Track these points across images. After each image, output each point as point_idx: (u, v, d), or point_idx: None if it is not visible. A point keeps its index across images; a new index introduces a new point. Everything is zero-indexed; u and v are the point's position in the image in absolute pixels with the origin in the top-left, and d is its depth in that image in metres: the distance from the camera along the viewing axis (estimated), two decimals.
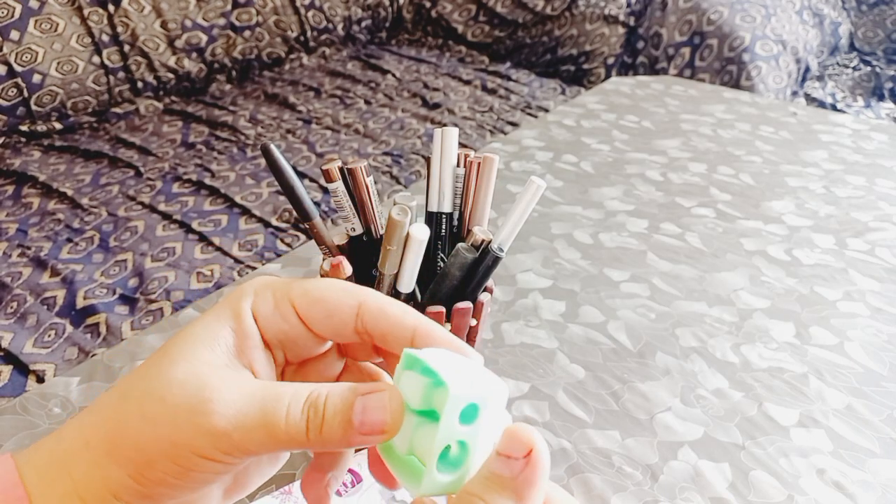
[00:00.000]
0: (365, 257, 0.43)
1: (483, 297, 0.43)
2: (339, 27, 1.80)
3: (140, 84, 1.41)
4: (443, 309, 0.41)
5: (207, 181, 1.10)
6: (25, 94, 1.23)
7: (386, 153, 1.25)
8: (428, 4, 1.98)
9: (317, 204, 1.06)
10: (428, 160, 0.43)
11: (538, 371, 0.56)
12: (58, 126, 1.29)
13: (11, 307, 0.82)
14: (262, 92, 1.50)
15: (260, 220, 1.01)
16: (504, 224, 0.41)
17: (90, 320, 0.80)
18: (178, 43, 1.46)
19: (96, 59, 1.33)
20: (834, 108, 1.65)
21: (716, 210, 0.81)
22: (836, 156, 0.97)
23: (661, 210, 0.81)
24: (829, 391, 0.55)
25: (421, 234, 0.37)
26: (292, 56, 1.69)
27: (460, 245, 0.41)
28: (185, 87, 1.49)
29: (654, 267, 0.70)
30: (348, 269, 0.38)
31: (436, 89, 1.55)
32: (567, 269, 0.69)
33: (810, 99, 1.71)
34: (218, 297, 0.68)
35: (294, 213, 1.02)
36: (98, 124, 1.33)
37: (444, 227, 0.43)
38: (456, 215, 0.44)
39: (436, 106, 1.46)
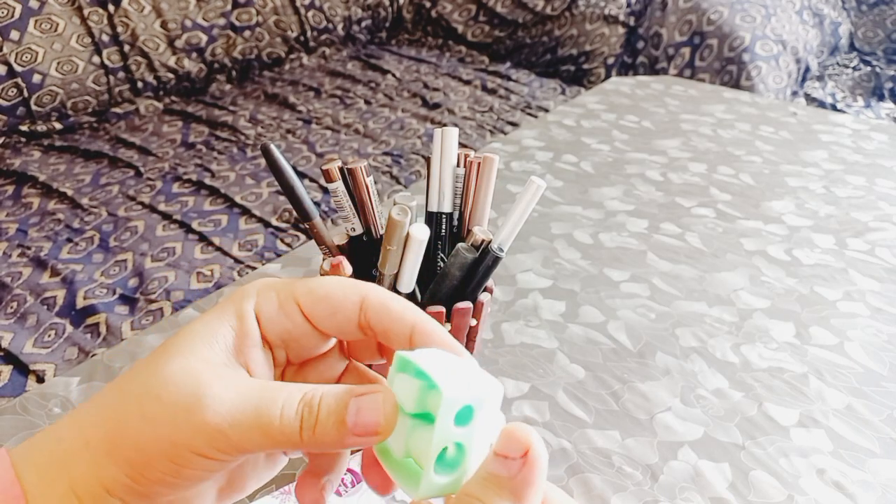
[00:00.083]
0: (365, 257, 0.43)
1: (483, 297, 0.43)
2: (339, 27, 1.80)
3: (140, 84, 1.41)
4: (443, 309, 0.41)
5: (207, 181, 1.10)
6: (25, 94, 1.23)
7: (386, 153, 1.25)
8: (428, 4, 1.98)
9: (317, 204, 1.06)
10: (428, 160, 0.43)
11: (538, 371, 0.56)
12: (58, 126, 1.29)
13: (11, 307, 0.82)
14: (262, 92, 1.50)
15: (260, 220, 1.01)
16: (504, 224, 0.41)
17: (90, 320, 0.80)
18: (178, 43, 1.46)
19: (96, 59, 1.33)
20: (834, 108, 1.65)
21: (716, 210, 0.81)
22: (836, 156, 0.97)
23: (661, 210, 0.81)
24: (829, 391, 0.55)
25: (421, 234, 0.37)
26: (292, 56, 1.69)
27: (460, 245, 0.41)
28: (185, 87, 1.49)
29: (654, 267, 0.70)
30: (348, 269, 0.38)
31: (436, 89, 1.55)
32: (567, 269, 0.69)
33: (810, 99, 1.71)
34: (218, 297, 0.68)
35: (294, 213, 1.02)
36: (98, 124, 1.33)
37: (444, 227, 0.43)
38: (456, 215, 0.44)
39: (436, 106, 1.46)
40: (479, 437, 0.21)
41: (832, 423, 0.52)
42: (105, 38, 1.35)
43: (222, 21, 1.54)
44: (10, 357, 0.75)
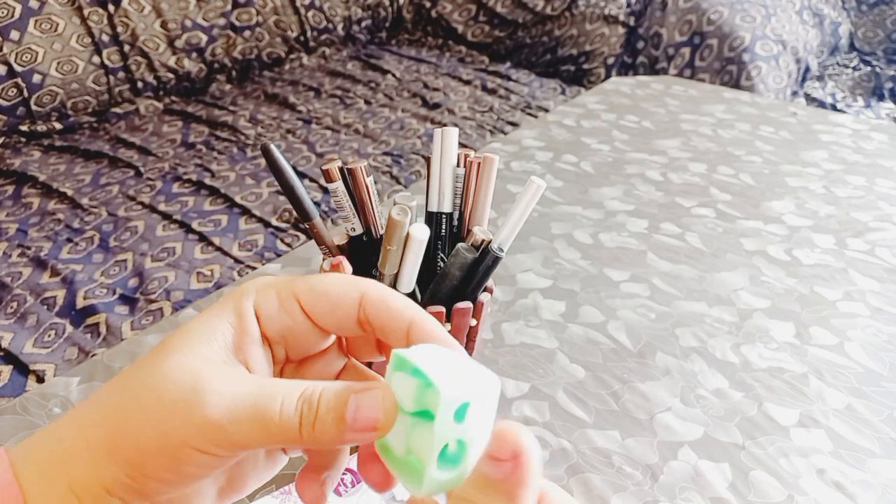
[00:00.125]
0: (365, 257, 0.43)
1: (483, 297, 0.43)
2: (339, 27, 1.80)
3: (140, 84, 1.41)
4: (443, 309, 0.41)
5: (207, 181, 1.10)
6: (25, 94, 1.23)
7: (386, 153, 1.25)
8: (428, 4, 1.98)
9: (317, 204, 1.06)
10: (428, 160, 0.43)
11: (538, 371, 0.56)
12: (58, 126, 1.29)
13: (11, 307, 0.82)
14: (262, 92, 1.50)
15: (260, 220, 1.01)
16: (504, 224, 0.41)
17: (90, 320, 0.80)
18: (178, 43, 1.46)
19: (96, 59, 1.33)
20: (834, 108, 1.65)
21: (716, 210, 0.81)
22: (836, 156, 0.97)
23: (661, 210, 0.81)
24: (829, 391, 0.55)
25: (421, 234, 0.37)
26: (292, 56, 1.69)
27: (460, 245, 0.41)
28: (185, 87, 1.49)
29: (654, 267, 0.70)
30: (348, 269, 0.38)
31: (436, 89, 1.55)
32: (567, 269, 0.69)
33: (810, 99, 1.71)
34: (218, 298, 0.68)
35: (294, 213, 1.02)
36: (98, 124, 1.33)
37: (444, 227, 0.43)
38: (456, 215, 0.44)
39: (436, 106, 1.46)
40: (480, 432, 0.22)
41: (832, 423, 0.52)
42: (105, 38, 1.35)
43: (222, 21, 1.54)
44: (10, 357, 0.75)
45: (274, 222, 1.01)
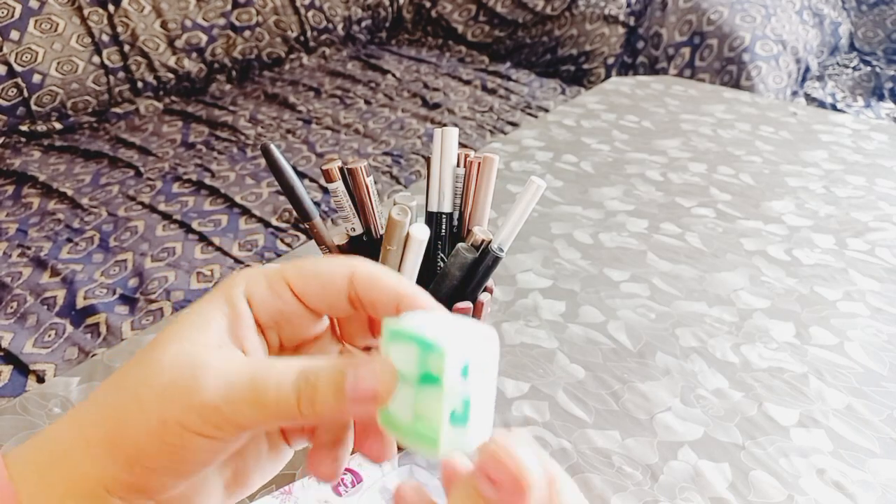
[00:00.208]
0: (365, 257, 0.43)
1: (483, 297, 0.43)
2: (339, 27, 1.80)
3: (140, 84, 1.41)
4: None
5: (207, 181, 1.10)
6: (25, 94, 1.23)
7: (386, 153, 1.25)
8: (428, 4, 1.98)
9: (317, 204, 1.06)
10: (428, 160, 0.43)
11: (538, 371, 0.56)
12: (58, 126, 1.29)
13: (11, 307, 0.82)
14: (262, 92, 1.50)
15: (260, 220, 1.01)
16: (504, 224, 0.41)
17: (90, 320, 0.80)
18: (178, 43, 1.46)
19: (96, 59, 1.33)
20: (834, 108, 1.65)
21: (716, 210, 0.81)
22: (836, 156, 0.97)
23: (661, 210, 0.81)
24: (829, 391, 0.55)
25: (421, 234, 0.37)
26: (292, 56, 1.69)
27: (460, 245, 0.41)
28: (185, 87, 1.49)
29: (654, 267, 0.70)
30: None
31: (436, 89, 1.55)
32: (567, 269, 0.69)
33: (810, 99, 1.71)
34: None
35: (294, 213, 1.02)
36: (98, 124, 1.33)
37: (444, 227, 0.43)
38: (456, 215, 0.44)
39: (436, 106, 1.46)
40: (483, 387, 0.22)
41: (832, 423, 0.52)
42: (105, 38, 1.35)
43: (222, 21, 1.54)
44: (10, 357, 0.75)
45: (274, 222, 1.01)
